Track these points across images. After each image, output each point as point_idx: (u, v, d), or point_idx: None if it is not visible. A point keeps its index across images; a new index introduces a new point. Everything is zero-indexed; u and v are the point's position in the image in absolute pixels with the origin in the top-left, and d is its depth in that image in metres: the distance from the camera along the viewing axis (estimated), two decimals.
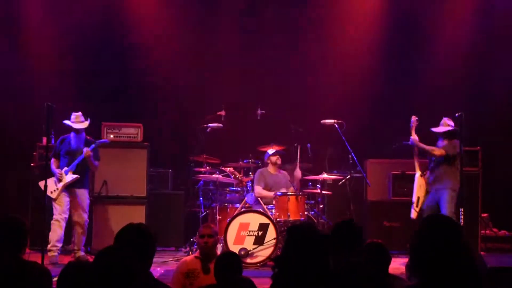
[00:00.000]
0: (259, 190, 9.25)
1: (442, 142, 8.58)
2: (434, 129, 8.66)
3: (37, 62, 10.88)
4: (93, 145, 8.66)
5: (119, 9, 11.17)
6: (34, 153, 9.66)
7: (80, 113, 8.76)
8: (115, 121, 9.48)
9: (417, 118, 8.69)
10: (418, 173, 8.69)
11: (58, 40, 10.98)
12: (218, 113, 9.72)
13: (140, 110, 10.72)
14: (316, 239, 3.23)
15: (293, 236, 3.31)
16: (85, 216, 8.65)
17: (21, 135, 10.33)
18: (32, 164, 9.59)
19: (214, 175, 9.28)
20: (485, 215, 10.05)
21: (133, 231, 3.83)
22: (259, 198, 9.09)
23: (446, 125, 8.62)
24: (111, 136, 9.33)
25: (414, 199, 8.63)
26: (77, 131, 8.68)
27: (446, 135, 8.56)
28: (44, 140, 8.60)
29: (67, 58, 10.94)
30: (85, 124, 8.74)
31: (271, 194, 9.12)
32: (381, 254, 4.50)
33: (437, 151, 8.55)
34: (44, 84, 10.61)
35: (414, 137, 8.62)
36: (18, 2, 11.01)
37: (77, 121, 8.70)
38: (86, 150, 8.54)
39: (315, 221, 9.11)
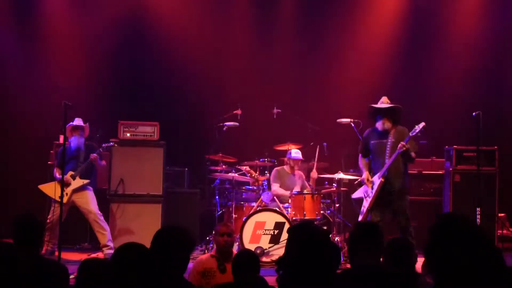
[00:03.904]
0: (276, 188, 9.28)
1: (383, 123, 7.84)
2: (378, 105, 7.95)
3: (57, 60, 10.96)
4: (100, 150, 8.86)
5: (137, 9, 11.22)
6: (51, 151, 9.74)
7: (80, 118, 9.00)
8: (132, 119, 9.51)
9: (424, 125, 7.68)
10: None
11: (78, 40, 11.06)
12: (234, 112, 9.74)
13: (157, 108, 10.75)
14: (317, 237, 3.19)
15: (293, 236, 3.27)
16: (94, 211, 8.73)
17: (39, 133, 10.40)
18: (49, 162, 9.67)
19: (230, 174, 9.31)
20: (502, 215, 9.97)
21: (173, 235, 3.75)
22: (275, 197, 9.10)
23: (386, 103, 8.00)
24: (128, 134, 9.35)
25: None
26: (78, 132, 8.89)
27: (389, 115, 7.86)
28: (61, 138, 8.65)
29: (85, 57, 11.01)
30: (85, 126, 8.99)
31: (287, 193, 9.13)
32: (404, 251, 4.42)
33: (413, 155, 7.82)
34: (62, 83, 10.68)
35: (407, 146, 7.67)
36: (39, 1, 11.09)
37: (78, 123, 8.96)
38: (94, 156, 8.76)
39: (331, 220, 9.10)
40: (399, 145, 7.62)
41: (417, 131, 7.60)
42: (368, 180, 7.94)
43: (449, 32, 11.21)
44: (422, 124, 7.61)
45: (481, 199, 7.98)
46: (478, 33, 11.06)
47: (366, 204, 7.87)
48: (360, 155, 8.24)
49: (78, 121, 8.96)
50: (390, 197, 7.76)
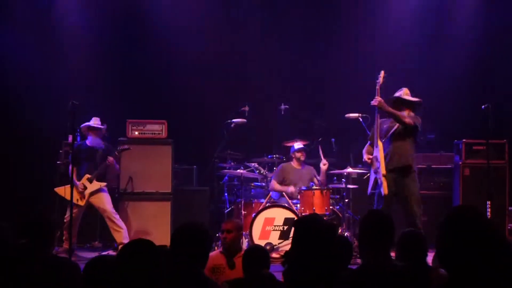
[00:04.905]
0: (272, 184, 9.28)
1: (407, 114, 7.58)
2: (406, 97, 7.68)
3: (63, 60, 10.98)
4: (115, 153, 8.93)
5: (144, 7, 11.24)
6: (60, 151, 9.77)
7: (98, 118, 9.05)
8: (140, 118, 9.53)
9: (385, 73, 7.50)
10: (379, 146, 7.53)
11: (85, 39, 11.07)
12: (242, 108, 9.73)
13: (164, 106, 10.75)
14: (322, 230, 3.17)
15: (298, 230, 3.25)
16: (109, 209, 8.80)
17: (47, 133, 10.42)
18: (58, 162, 9.70)
19: (238, 171, 9.31)
20: None
21: (191, 231, 3.75)
22: (283, 193, 9.10)
23: (406, 94, 7.75)
24: (136, 133, 9.37)
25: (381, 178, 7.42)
26: (95, 132, 8.94)
27: (411, 108, 7.62)
28: (70, 138, 8.68)
29: (92, 56, 11.02)
30: (102, 127, 9.04)
31: (285, 188, 9.18)
32: (417, 245, 4.40)
33: (407, 119, 7.43)
34: (69, 82, 10.70)
35: (379, 98, 7.43)
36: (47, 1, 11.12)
37: (96, 123, 9.01)
38: (111, 160, 8.85)
39: (341, 215, 9.09)
40: (373, 101, 7.42)
41: (379, 81, 7.48)
42: (368, 158, 7.67)
43: (455, 24, 11.14)
44: (381, 72, 7.48)
45: (491, 193, 7.94)
46: (487, 25, 10.98)
47: (380, 176, 7.39)
48: (369, 142, 7.95)
49: (95, 121, 8.99)
50: (393, 176, 7.44)
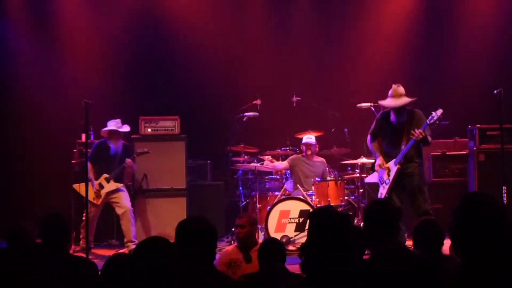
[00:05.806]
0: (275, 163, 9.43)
1: (397, 112, 7.57)
2: (388, 104, 7.67)
3: (75, 59, 11.00)
4: (134, 156, 9.00)
5: (153, 2, 11.24)
6: (74, 150, 9.81)
7: (119, 120, 9.09)
8: (152, 114, 9.55)
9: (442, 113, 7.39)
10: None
11: (96, 37, 11.09)
12: (253, 102, 9.73)
13: (176, 102, 10.75)
14: (336, 222, 3.16)
15: (313, 221, 3.25)
16: (128, 207, 8.84)
17: (61, 132, 10.46)
18: (72, 161, 9.74)
19: (252, 164, 9.31)
20: None
21: (192, 225, 3.75)
22: (298, 185, 9.09)
23: (398, 95, 7.56)
24: (149, 130, 9.39)
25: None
26: (116, 136, 8.99)
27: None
28: (83, 137, 8.72)
29: (104, 54, 11.02)
30: (127, 128, 9.12)
31: (271, 164, 9.35)
32: (431, 232, 4.39)
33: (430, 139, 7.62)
34: (82, 81, 10.73)
35: (423, 133, 7.36)
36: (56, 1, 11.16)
37: (118, 127, 9.02)
38: (130, 162, 8.90)
39: (356, 205, 9.07)
40: (417, 133, 7.31)
41: (434, 118, 7.36)
42: (383, 165, 7.68)
43: (467, 7, 11.05)
44: (439, 111, 7.34)
45: (506, 178, 7.87)
46: (500, 9, 10.88)
47: (383, 192, 7.62)
48: (369, 136, 7.93)
49: (114, 124, 9.03)
50: (404, 179, 7.52)
